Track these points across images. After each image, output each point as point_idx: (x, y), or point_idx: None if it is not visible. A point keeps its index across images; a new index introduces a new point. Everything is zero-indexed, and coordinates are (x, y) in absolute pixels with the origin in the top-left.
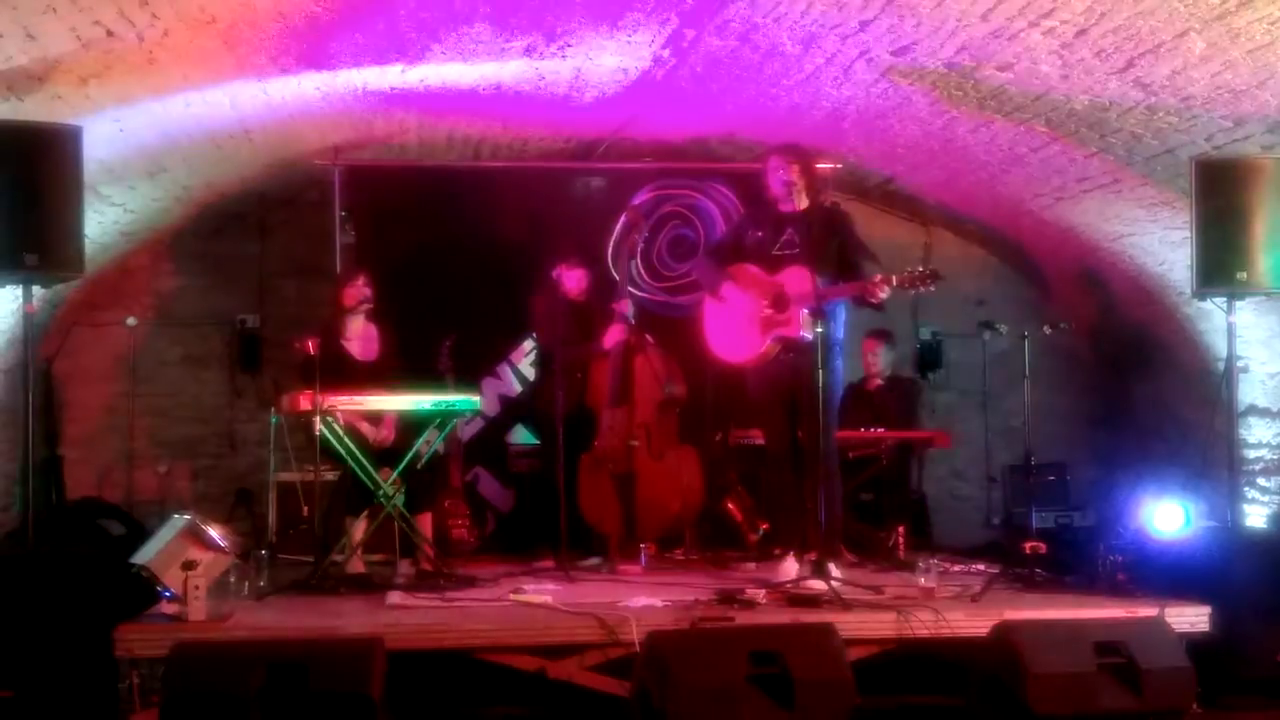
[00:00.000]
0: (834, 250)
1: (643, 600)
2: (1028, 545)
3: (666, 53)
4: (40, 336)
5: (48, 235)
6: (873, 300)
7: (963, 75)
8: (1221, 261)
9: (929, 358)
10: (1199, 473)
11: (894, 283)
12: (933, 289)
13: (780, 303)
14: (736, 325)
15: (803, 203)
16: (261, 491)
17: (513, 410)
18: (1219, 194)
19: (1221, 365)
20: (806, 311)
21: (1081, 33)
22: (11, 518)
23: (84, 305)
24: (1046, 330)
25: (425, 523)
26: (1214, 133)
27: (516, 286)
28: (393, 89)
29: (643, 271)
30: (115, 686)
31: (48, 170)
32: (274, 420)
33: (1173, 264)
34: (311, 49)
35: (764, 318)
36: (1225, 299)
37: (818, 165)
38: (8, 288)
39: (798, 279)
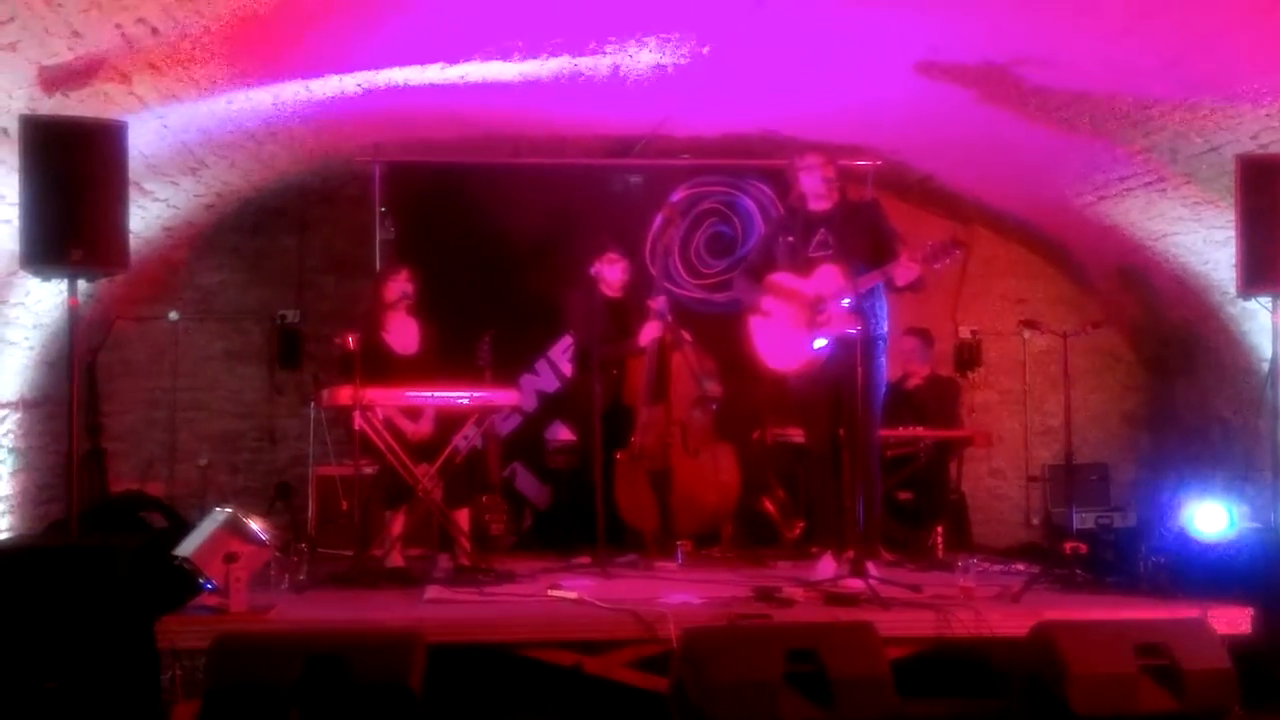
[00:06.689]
0: (868, 244)
1: (679, 597)
2: (1068, 545)
3: (706, 50)
4: (84, 330)
5: (92, 230)
6: (904, 281)
7: (1003, 72)
8: (1266, 260)
9: (968, 356)
10: (1242, 474)
11: (919, 259)
12: (958, 254)
13: (819, 303)
14: (784, 335)
15: (834, 200)
16: (301, 485)
17: (551, 406)
18: (1264, 192)
19: (1266, 366)
20: (846, 305)
21: (1125, 29)
22: (56, 510)
23: (127, 300)
24: (1088, 329)
25: (463, 518)
26: (1259, 130)
27: (555, 283)
28: (433, 86)
29: (681, 269)
30: (158, 677)
31: (93, 166)
32: (313, 414)
33: (1216, 263)
34: (354, 45)
35: (807, 322)
36: (1270, 298)
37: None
38: (53, 281)
39: (831, 277)
